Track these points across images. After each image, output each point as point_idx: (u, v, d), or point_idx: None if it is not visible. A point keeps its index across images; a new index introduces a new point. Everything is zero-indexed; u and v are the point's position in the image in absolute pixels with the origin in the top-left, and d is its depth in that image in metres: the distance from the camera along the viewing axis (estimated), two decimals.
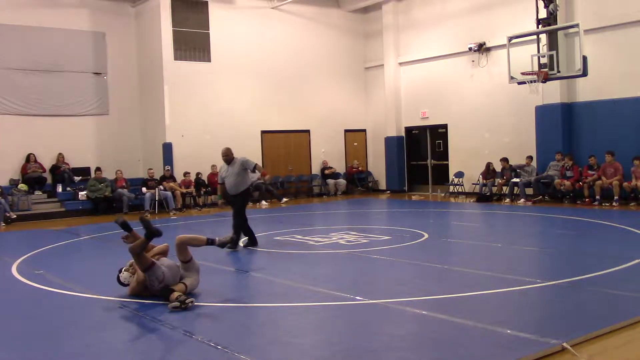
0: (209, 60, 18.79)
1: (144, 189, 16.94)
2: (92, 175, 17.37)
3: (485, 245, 9.96)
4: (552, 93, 15.84)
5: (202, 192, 17.90)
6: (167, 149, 18.00)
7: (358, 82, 22.06)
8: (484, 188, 17.16)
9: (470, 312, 5.73)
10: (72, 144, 17.68)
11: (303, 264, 8.70)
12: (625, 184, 14.28)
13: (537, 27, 14.19)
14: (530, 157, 16.50)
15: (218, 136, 18.72)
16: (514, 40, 14.64)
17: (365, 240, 10.42)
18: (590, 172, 15.06)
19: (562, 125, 15.96)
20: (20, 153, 16.83)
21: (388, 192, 20.97)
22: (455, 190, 18.70)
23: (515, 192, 16.45)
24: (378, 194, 21.15)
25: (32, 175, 16.70)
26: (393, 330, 5.36)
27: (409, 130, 20.81)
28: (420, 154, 20.69)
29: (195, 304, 6.31)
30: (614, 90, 15.03)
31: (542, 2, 14.07)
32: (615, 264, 7.56)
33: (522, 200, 15.98)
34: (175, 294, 6.30)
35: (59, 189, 17.01)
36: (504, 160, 16.96)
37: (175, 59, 18.15)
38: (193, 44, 18.49)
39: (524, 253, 9.23)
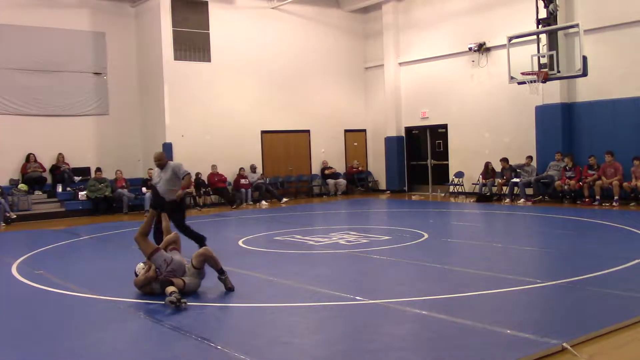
0: (209, 60, 18.79)
1: (144, 189, 16.95)
2: (92, 175, 17.37)
3: (485, 245, 9.97)
4: (552, 93, 15.84)
5: (202, 192, 17.89)
6: (167, 149, 17.97)
7: (358, 82, 22.06)
8: (483, 188, 17.16)
9: (470, 312, 5.73)
10: (72, 144, 17.68)
11: (303, 264, 8.69)
12: (625, 184, 14.28)
13: (537, 27, 14.19)
14: (530, 157, 16.49)
15: (218, 136, 18.75)
16: (514, 40, 14.64)
17: (365, 240, 10.42)
18: (590, 172, 15.06)
19: (562, 125, 15.96)
20: (20, 153, 16.82)
21: (388, 192, 20.96)
22: (455, 190, 18.70)
23: (515, 192, 16.45)
24: (378, 194, 21.15)
25: (32, 175, 16.70)
26: (393, 330, 5.36)
27: (409, 130, 20.81)
28: (420, 154, 20.69)
29: (196, 303, 6.32)
30: (614, 90, 15.03)
31: (542, 2, 14.07)
32: (615, 264, 7.56)
33: (522, 200, 15.98)
34: (171, 289, 6.35)
35: (59, 189, 17.01)
36: (504, 160, 16.96)
37: (175, 59, 18.15)
38: (193, 44, 18.49)
39: (524, 253, 9.23)
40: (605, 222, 11.73)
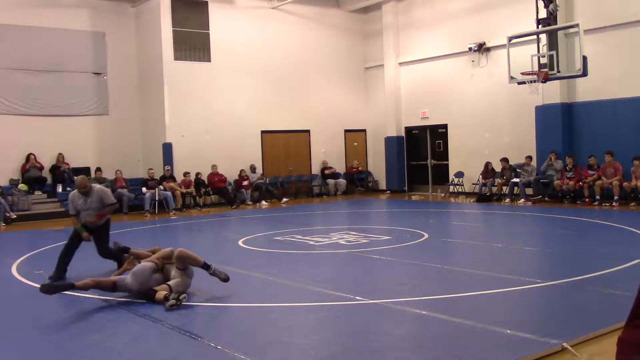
0: (209, 60, 18.79)
1: (144, 189, 16.94)
2: (92, 175, 17.35)
3: (485, 245, 9.97)
4: (552, 93, 15.84)
5: (202, 192, 17.89)
6: (167, 149, 18.00)
7: (358, 82, 22.06)
8: (483, 188, 17.16)
9: (470, 312, 5.73)
10: (72, 144, 17.68)
11: (303, 264, 8.70)
12: (625, 184, 14.27)
13: (537, 27, 14.19)
14: (529, 157, 16.48)
15: (218, 136, 18.75)
16: (514, 40, 14.64)
17: (366, 240, 10.42)
18: (590, 172, 15.06)
19: (562, 125, 15.96)
20: (20, 153, 16.82)
21: (388, 192, 20.96)
22: (455, 190, 18.70)
23: (515, 192, 16.45)
24: (378, 194, 21.15)
25: (32, 175, 16.70)
26: (393, 330, 5.36)
27: (409, 130, 20.81)
28: (420, 154, 20.69)
29: (196, 303, 6.32)
30: (614, 90, 15.02)
31: (542, 2, 14.07)
32: (615, 264, 7.56)
33: (522, 200, 15.98)
34: (163, 293, 6.35)
35: (59, 189, 17.00)
36: (504, 160, 16.96)
37: (175, 59, 18.15)
38: (193, 44, 18.49)
39: (524, 253, 9.23)
40: (605, 222, 11.74)
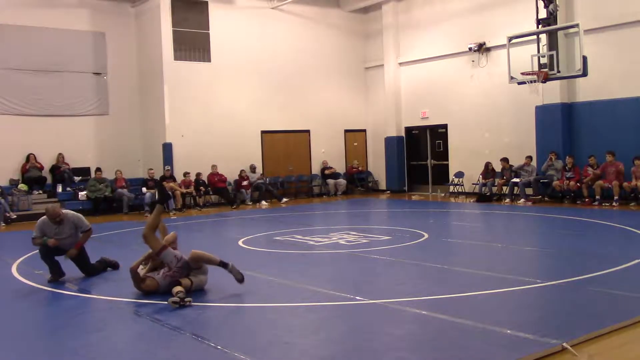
0: (209, 60, 18.79)
1: (144, 189, 16.95)
2: (92, 175, 17.37)
3: (485, 245, 9.96)
4: (552, 93, 15.83)
5: (202, 192, 17.89)
6: (167, 149, 18.00)
7: (358, 82, 22.05)
8: (483, 188, 17.16)
9: (470, 312, 5.73)
10: (72, 144, 17.68)
11: (303, 264, 8.69)
12: (625, 184, 14.27)
13: (537, 27, 14.19)
14: (529, 157, 16.48)
15: (218, 136, 18.75)
16: (514, 40, 14.64)
17: (366, 241, 10.42)
18: (590, 172, 15.04)
19: (562, 125, 15.95)
20: (20, 153, 16.83)
21: (388, 192, 20.96)
22: (455, 190, 18.70)
23: (515, 192, 16.45)
24: (378, 194, 21.15)
25: (32, 175, 16.70)
26: (393, 330, 5.36)
27: (409, 130, 20.81)
28: (420, 154, 20.69)
29: (196, 303, 6.32)
30: (614, 90, 15.03)
31: (542, 2, 14.07)
32: (615, 264, 7.56)
33: (522, 200, 15.97)
34: (178, 288, 6.38)
35: (59, 189, 17.01)
36: (504, 160, 16.96)
37: (175, 59, 18.15)
38: (193, 44, 18.49)
39: (524, 253, 9.23)
40: (605, 222, 11.73)
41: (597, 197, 14.63)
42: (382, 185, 21.62)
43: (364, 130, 22.29)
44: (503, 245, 9.77)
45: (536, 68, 14.03)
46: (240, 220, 15.04)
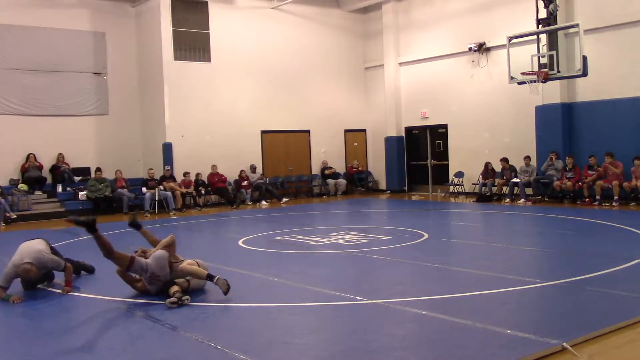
0: (209, 60, 18.79)
1: (144, 189, 16.95)
2: (92, 175, 17.37)
3: (485, 245, 9.97)
4: (552, 93, 15.84)
5: (202, 192, 17.89)
6: (167, 149, 18.00)
7: (358, 82, 22.06)
8: (483, 188, 17.16)
9: (470, 312, 5.73)
10: (72, 144, 17.69)
11: (303, 264, 8.69)
12: (625, 184, 14.27)
13: (537, 27, 14.19)
14: (528, 157, 16.46)
15: (218, 136, 18.76)
16: (514, 40, 14.64)
17: (365, 240, 10.42)
18: (590, 172, 15.05)
19: (562, 125, 15.96)
20: (20, 153, 16.83)
21: (388, 192, 20.96)
22: (455, 190, 18.70)
23: (515, 192, 16.45)
24: (378, 194, 21.15)
25: (32, 175, 16.70)
26: (393, 330, 5.36)
27: (409, 130, 20.81)
28: (420, 154, 20.69)
29: (195, 304, 6.32)
30: (614, 90, 15.03)
31: (542, 2, 14.06)
32: (615, 264, 7.56)
33: (522, 200, 15.98)
34: (174, 289, 6.38)
35: (59, 189, 17.01)
36: (504, 160, 16.96)
37: (175, 59, 18.16)
38: (193, 44, 18.49)
39: (524, 253, 9.23)
40: (605, 222, 11.73)
41: (597, 197, 14.63)
42: (382, 185, 21.62)
43: (364, 130, 22.29)
44: (503, 245, 9.77)
45: (536, 68, 14.03)
46: (240, 221, 15.04)
